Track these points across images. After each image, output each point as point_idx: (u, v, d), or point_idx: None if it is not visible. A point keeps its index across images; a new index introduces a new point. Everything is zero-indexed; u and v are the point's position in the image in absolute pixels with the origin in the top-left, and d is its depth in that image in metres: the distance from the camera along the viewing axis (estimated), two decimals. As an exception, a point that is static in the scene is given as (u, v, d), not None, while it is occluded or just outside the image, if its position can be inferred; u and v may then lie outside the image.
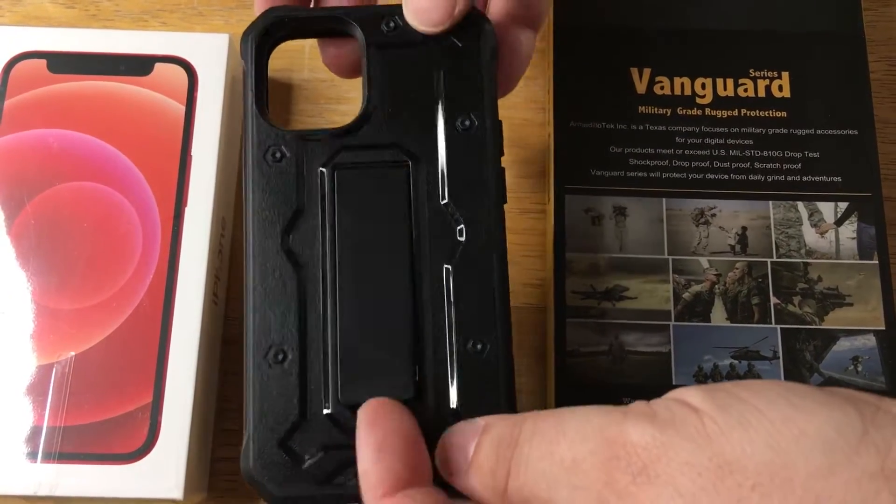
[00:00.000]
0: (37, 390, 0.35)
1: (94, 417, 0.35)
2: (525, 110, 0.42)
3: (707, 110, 0.39)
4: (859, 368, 0.36)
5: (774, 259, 0.37)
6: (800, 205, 0.38)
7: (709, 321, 0.37)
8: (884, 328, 0.36)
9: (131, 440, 0.34)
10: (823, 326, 0.37)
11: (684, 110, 0.39)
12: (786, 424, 0.22)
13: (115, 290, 0.36)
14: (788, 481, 0.21)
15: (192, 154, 0.38)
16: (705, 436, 0.23)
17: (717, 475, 0.22)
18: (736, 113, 0.39)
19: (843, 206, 0.38)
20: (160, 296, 0.36)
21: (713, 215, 0.38)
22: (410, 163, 0.30)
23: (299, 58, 0.43)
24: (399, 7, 0.30)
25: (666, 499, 0.22)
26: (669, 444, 0.23)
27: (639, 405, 0.25)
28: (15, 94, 0.38)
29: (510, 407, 0.28)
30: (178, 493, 0.34)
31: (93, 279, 0.36)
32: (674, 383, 0.36)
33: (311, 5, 0.33)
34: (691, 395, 0.24)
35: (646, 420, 0.24)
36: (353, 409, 0.27)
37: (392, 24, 0.31)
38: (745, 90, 0.40)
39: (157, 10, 0.44)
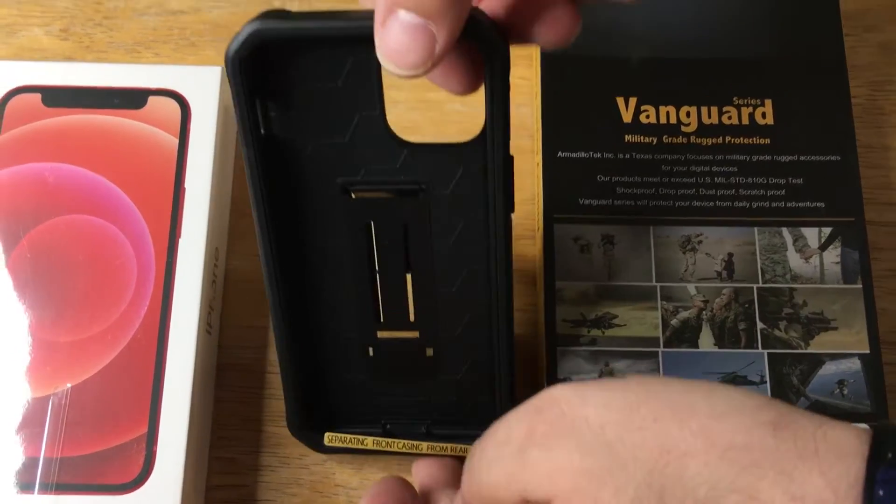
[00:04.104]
0: (34, 422, 0.35)
1: (90, 448, 0.35)
2: (513, 137, 0.43)
3: (692, 138, 0.40)
4: (845, 392, 0.37)
5: (760, 284, 0.38)
6: (784, 230, 0.39)
7: (697, 347, 0.37)
8: (868, 352, 0.37)
9: (127, 471, 0.35)
10: (809, 351, 0.37)
11: (670, 138, 0.40)
12: (701, 385, 0.26)
13: (110, 322, 0.36)
14: (687, 419, 0.24)
15: (186, 186, 0.38)
16: (623, 386, 0.26)
17: (627, 411, 0.25)
18: (720, 140, 0.40)
19: (826, 231, 0.39)
20: (155, 327, 0.36)
21: (700, 242, 0.39)
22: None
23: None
24: None
25: (576, 433, 0.25)
26: (589, 393, 0.26)
27: None
28: (10, 128, 0.39)
29: None
30: (173, 523, 0.34)
31: (88, 311, 0.36)
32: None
33: None
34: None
35: (572, 383, 0.27)
36: None
37: None
38: (730, 118, 0.40)
39: (150, 42, 0.45)
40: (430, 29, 0.25)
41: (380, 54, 0.26)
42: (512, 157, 0.30)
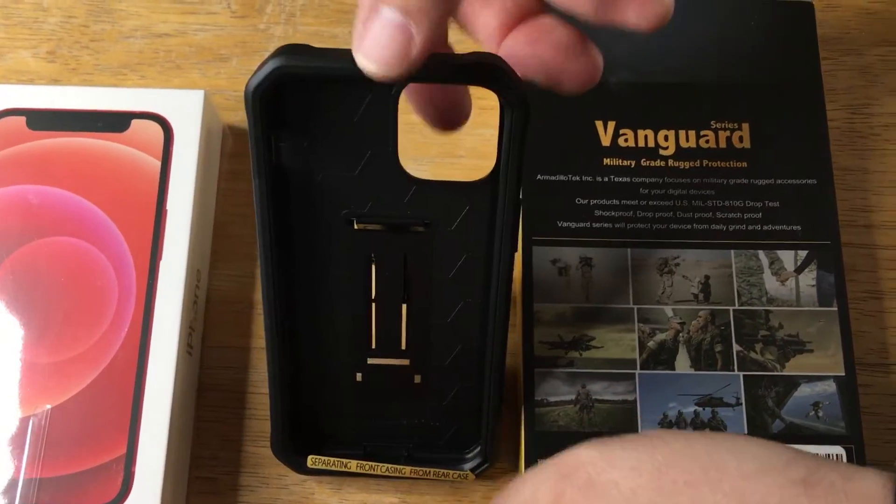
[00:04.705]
0: (13, 443, 0.35)
1: (69, 469, 0.35)
2: (491, 159, 0.43)
3: (670, 161, 0.41)
4: (820, 414, 0.37)
5: (737, 307, 0.38)
6: (761, 253, 0.39)
7: (673, 369, 0.37)
8: (843, 374, 0.37)
9: (106, 492, 0.35)
10: (785, 373, 0.37)
11: (648, 162, 0.40)
12: (725, 440, 0.26)
13: (90, 344, 0.37)
14: (718, 480, 0.24)
15: (168, 208, 0.38)
16: (650, 446, 0.26)
17: (656, 474, 0.25)
18: (698, 164, 0.40)
19: (802, 254, 0.39)
20: (135, 348, 0.37)
21: (677, 264, 0.39)
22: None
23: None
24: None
25: (608, 499, 0.25)
26: (615, 455, 0.26)
27: None
28: (-5, 150, 0.39)
29: None
30: (151, 544, 0.34)
31: (69, 333, 0.37)
32: (640, 431, 0.37)
33: None
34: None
35: (596, 442, 0.27)
36: None
37: None
38: (707, 141, 0.41)
39: (136, 64, 0.45)
40: (410, 29, 0.25)
41: (357, 52, 0.26)
42: (521, 201, 0.31)
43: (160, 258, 0.38)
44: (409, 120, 0.44)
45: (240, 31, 0.46)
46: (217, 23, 0.46)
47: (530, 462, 0.36)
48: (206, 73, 0.45)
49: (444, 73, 0.28)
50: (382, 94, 0.29)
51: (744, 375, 0.37)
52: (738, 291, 0.39)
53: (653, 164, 0.40)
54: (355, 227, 0.32)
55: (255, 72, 0.28)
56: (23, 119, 0.40)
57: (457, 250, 0.33)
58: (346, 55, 0.28)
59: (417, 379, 0.36)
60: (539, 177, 0.40)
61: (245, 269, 0.42)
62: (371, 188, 0.31)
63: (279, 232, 0.32)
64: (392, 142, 0.30)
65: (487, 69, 0.28)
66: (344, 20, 0.46)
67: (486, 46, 0.32)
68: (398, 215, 0.32)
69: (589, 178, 0.40)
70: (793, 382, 0.37)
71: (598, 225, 0.39)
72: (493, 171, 0.31)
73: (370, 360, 0.36)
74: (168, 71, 0.45)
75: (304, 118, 0.29)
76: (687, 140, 0.41)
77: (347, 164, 0.31)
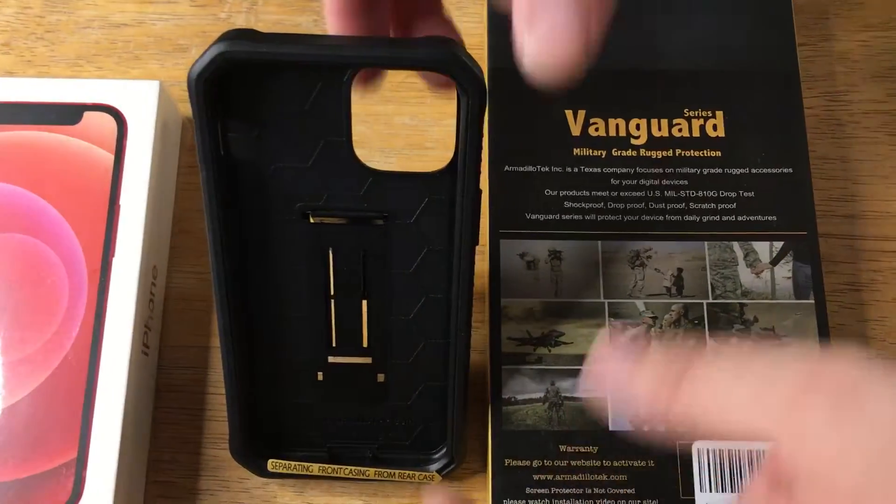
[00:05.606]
0: (-40, 448, 0.34)
1: (18, 474, 0.34)
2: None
3: (642, 151, 0.39)
4: (797, 410, 0.36)
5: (710, 300, 0.37)
6: (735, 245, 0.38)
7: (645, 365, 0.36)
8: (821, 369, 0.36)
9: (56, 497, 0.34)
10: (760, 368, 0.36)
11: (619, 151, 0.39)
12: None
13: (40, 344, 0.35)
14: None
15: (121, 203, 0.37)
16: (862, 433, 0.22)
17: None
18: (671, 153, 0.39)
19: (778, 245, 0.38)
20: (86, 349, 0.35)
21: (649, 257, 0.38)
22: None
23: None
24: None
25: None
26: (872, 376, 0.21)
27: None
28: (-59, 144, 0.38)
29: None
30: (103, 552, 0.33)
31: (18, 333, 0.35)
32: (610, 429, 0.35)
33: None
34: None
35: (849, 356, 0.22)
36: None
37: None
38: (680, 130, 0.40)
39: (93, 55, 0.44)
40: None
41: (528, 63, 0.24)
42: (480, 192, 0.30)
43: (113, 255, 0.36)
44: (375, 110, 0.43)
45: (200, 21, 0.44)
46: (176, 12, 0.45)
47: (498, 462, 0.35)
48: (165, 63, 0.44)
49: (396, 58, 0.27)
50: (334, 81, 0.28)
51: (718, 371, 0.36)
52: (711, 284, 0.37)
53: (624, 153, 0.39)
54: (311, 220, 0.31)
55: (199, 58, 0.27)
56: (-29, 112, 0.38)
57: (417, 244, 0.31)
58: (294, 40, 0.27)
59: (381, 377, 0.35)
60: (507, 168, 0.39)
61: (206, 266, 0.40)
62: (326, 180, 0.30)
63: (230, 226, 0.30)
64: (346, 131, 0.29)
65: (442, 53, 0.27)
66: (308, 9, 0.45)
67: None
68: (355, 208, 0.30)
69: (558, 169, 0.39)
70: (768, 378, 0.36)
71: (567, 217, 0.38)
72: (451, 161, 0.29)
73: (331, 359, 0.34)
74: (126, 62, 0.44)
75: (253, 106, 0.28)
76: (659, 129, 0.40)
77: (300, 155, 0.29)
